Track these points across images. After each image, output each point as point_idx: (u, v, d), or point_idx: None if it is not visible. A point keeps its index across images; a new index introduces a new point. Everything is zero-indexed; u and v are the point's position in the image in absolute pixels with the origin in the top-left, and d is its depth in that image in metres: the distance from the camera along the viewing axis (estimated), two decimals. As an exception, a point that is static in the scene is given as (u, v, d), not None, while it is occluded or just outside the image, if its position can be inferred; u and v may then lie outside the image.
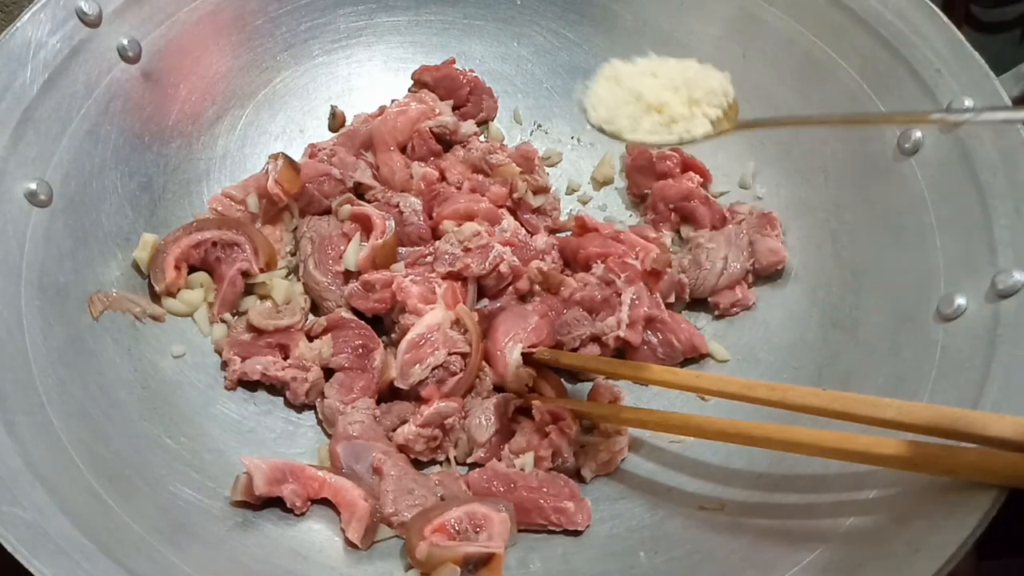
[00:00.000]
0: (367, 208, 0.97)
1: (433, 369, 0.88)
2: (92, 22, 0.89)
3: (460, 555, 0.75)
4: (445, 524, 0.78)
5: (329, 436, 0.89)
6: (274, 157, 0.97)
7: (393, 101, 1.07)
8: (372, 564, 0.80)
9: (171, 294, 0.93)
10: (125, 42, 0.92)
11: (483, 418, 0.88)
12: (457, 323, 0.91)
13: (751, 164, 1.04)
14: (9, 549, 0.63)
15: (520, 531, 0.82)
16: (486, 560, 0.76)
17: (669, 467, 0.88)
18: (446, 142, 1.06)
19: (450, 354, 0.89)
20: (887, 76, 0.91)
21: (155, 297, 0.93)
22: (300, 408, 0.92)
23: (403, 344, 0.88)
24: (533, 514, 0.82)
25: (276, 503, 0.81)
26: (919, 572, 0.64)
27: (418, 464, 0.88)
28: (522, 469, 0.86)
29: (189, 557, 0.71)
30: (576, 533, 0.83)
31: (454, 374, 0.89)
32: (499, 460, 0.87)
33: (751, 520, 0.80)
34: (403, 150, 1.04)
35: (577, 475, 0.88)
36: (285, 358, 0.91)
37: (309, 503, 0.82)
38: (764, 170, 1.04)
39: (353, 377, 0.90)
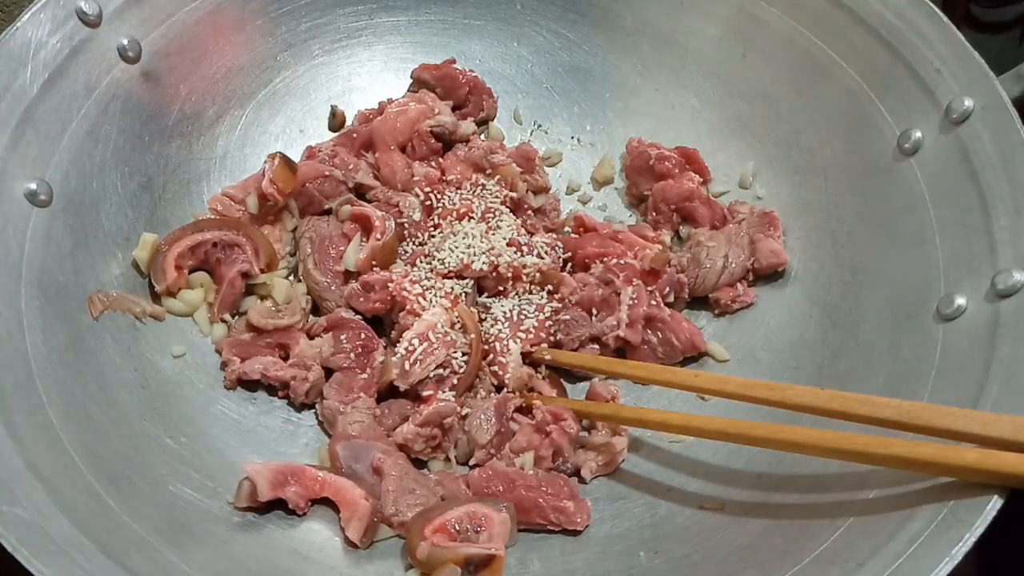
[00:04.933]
0: (367, 208, 0.97)
1: (433, 369, 0.88)
2: (92, 22, 0.89)
3: (461, 556, 0.75)
4: (446, 524, 0.78)
5: (329, 436, 0.89)
6: (271, 157, 0.97)
7: (390, 100, 1.07)
8: (372, 564, 0.80)
9: (171, 294, 0.93)
10: (125, 42, 0.92)
11: (483, 418, 0.88)
12: (457, 323, 0.91)
13: (751, 164, 1.04)
14: (9, 549, 0.63)
15: (520, 531, 0.82)
16: (487, 561, 0.76)
17: (669, 467, 0.88)
18: (446, 141, 1.06)
19: (450, 354, 0.88)
20: (887, 76, 0.91)
21: (155, 297, 0.93)
22: (300, 408, 0.92)
23: (402, 344, 0.88)
24: (532, 513, 0.82)
25: (277, 503, 0.81)
26: (919, 572, 0.64)
27: (418, 463, 0.88)
28: (522, 468, 0.86)
29: (189, 557, 0.71)
30: (575, 533, 0.83)
31: (454, 373, 0.89)
32: (499, 459, 0.87)
33: (751, 520, 0.79)
34: (403, 150, 1.04)
35: (577, 475, 0.88)
36: (285, 358, 0.91)
37: (310, 503, 0.82)
38: (764, 170, 1.04)
39: (352, 377, 0.90)
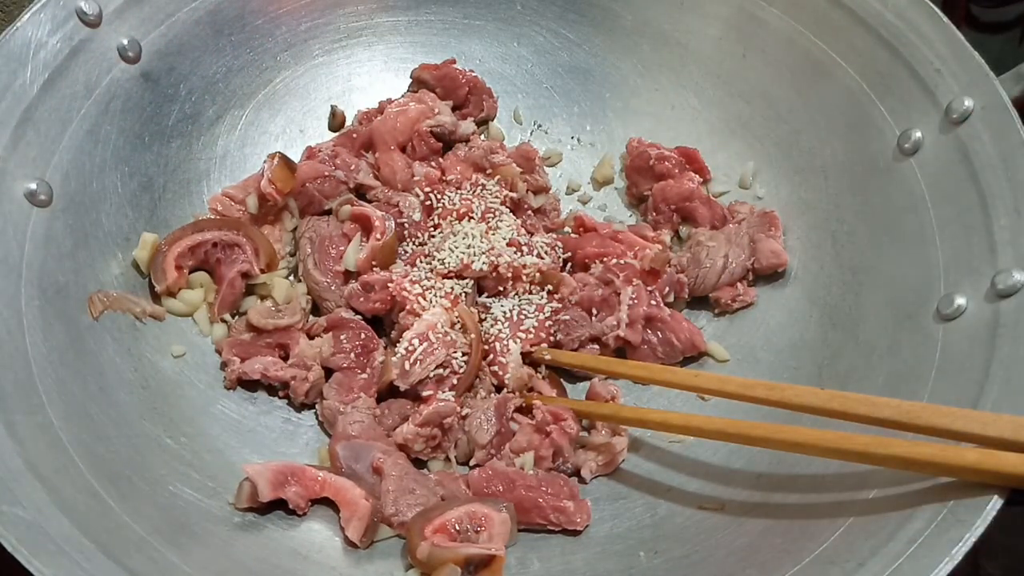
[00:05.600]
0: (367, 208, 0.97)
1: (433, 369, 0.88)
2: (92, 22, 0.89)
3: (461, 556, 0.75)
4: (446, 524, 0.78)
5: (329, 436, 0.89)
6: (271, 157, 0.97)
7: (390, 100, 1.06)
8: (372, 564, 0.80)
9: (172, 294, 0.93)
10: (125, 42, 0.92)
11: (483, 418, 0.88)
12: (457, 323, 0.91)
13: (751, 164, 1.04)
14: (9, 549, 0.63)
15: (520, 530, 0.82)
16: (487, 561, 0.76)
17: (669, 467, 0.88)
18: (446, 141, 1.06)
19: (450, 354, 0.88)
20: (887, 76, 0.91)
21: (155, 297, 0.93)
22: (300, 408, 0.92)
23: (402, 344, 0.88)
24: (532, 513, 0.82)
25: (277, 504, 0.81)
26: (919, 572, 0.64)
27: (418, 463, 0.88)
28: (522, 468, 0.86)
29: (189, 557, 0.71)
30: (575, 533, 0.83)
31: (454, 373, 0.89)
32: (499, 459, 0.87)
33: (751, 520, 0.80)
34: (403, 150, 1.04)
35: (577, 475, 0.88)
36: (285, 358, 0.91)
37: (310, 503, 0.82)
38: (764, 170, 1.04)
39: (352, 377, 0.90)
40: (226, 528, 0.78)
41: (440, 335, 0.89)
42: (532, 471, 0.86)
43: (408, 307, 0.90)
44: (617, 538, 0.83)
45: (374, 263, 0.94)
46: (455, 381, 0.89)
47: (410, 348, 0.87)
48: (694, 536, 0.80)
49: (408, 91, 1.09)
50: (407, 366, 0.87)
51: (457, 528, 0.78)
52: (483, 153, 1.02)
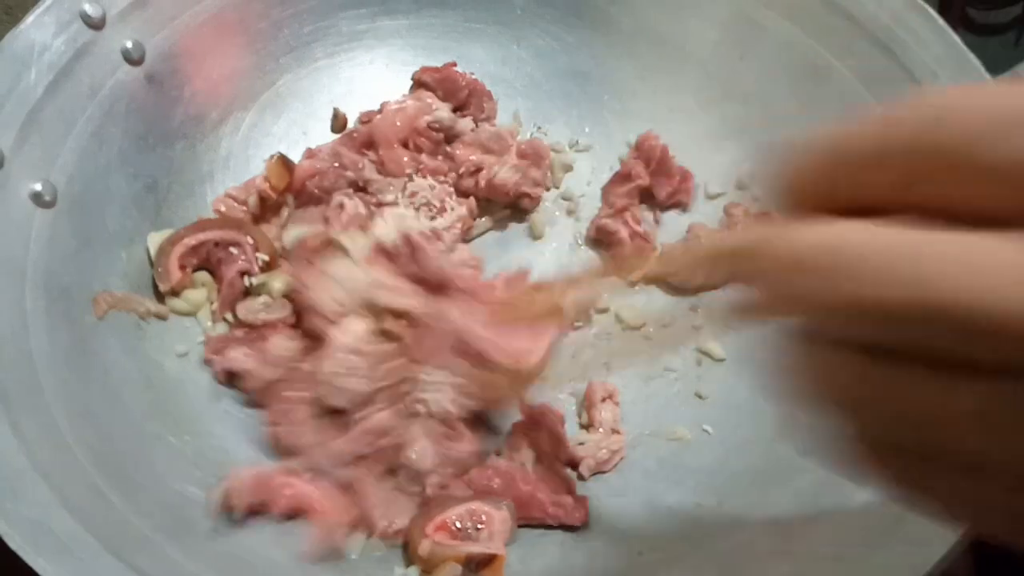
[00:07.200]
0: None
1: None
2: (96, 24, 0.89)
3: (463, 554, 0.76)
4: (446, 522, 0.78)
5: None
6: (270, 157, 0.97)
7: (390, 102, 1.07)
8: (375, 563, 0.80)
9: (175, 293, 0.93)
10: (129, 45, 0.92)
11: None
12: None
13: (748, 166, 1.04)
14: (13, 547, 0.63)
15: (519, 527, 0.82)
16: (488, 560, 0.77)
17: (669, 465, 0.88)
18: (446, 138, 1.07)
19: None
20: (883, 79, 0.91)
21: (159, 296, 0.93)
22: (301, 408, 0.92)
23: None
24: (530, 509, 0.82)
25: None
26: (919, 572, 0.64)
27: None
28: (522, 465, 0.86)
29: (193, 554, 0.72)
30: (574, 530, 0.83)
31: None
32: (499, 458, 0.87)
33: (750, 519, 0.80)
34: (405, 146, 1.04)
35: (576, 472, 0.88)
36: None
37: (292, 511, 0.80)
38: (761, 172, 1.04)
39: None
40: (230, 526, 0.79)
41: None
42: (531, 467, 0.86)
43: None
44: (616, 537, 0.83)
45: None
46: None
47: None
48: (694, 535, 0.81)
49: (409, 92, 1.10)
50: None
51: (458, 526, 0.79)
52: (491, 136, 1.02)
